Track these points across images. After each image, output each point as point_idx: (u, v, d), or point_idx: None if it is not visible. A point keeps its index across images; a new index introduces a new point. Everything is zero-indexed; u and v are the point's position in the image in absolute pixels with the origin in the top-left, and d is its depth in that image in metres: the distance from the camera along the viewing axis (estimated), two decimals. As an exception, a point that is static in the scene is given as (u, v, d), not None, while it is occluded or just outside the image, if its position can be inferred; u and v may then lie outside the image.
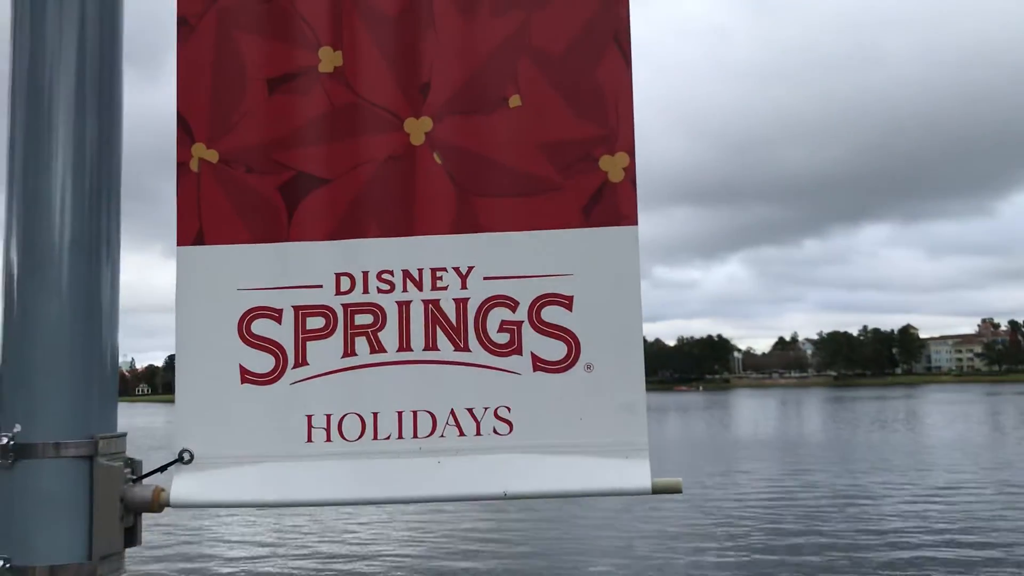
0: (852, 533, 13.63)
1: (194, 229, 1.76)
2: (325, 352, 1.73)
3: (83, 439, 1.55)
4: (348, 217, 1.76)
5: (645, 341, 1.76)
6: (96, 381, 1.60)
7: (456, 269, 1.75)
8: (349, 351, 1.74)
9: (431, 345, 1.73)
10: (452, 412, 1.72)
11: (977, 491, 18.01)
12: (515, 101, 1.76)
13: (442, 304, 1.74)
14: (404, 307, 1.74)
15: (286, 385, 1.73)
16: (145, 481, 1.65)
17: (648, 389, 1.73)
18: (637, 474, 1.66)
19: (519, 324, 1.73)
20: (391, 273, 1.75)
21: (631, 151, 1.75)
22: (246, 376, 1.73)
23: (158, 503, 1.63)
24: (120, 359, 1.75)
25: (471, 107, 1.76)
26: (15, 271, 1.58)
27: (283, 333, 1.74)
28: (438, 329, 1.74)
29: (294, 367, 1.73)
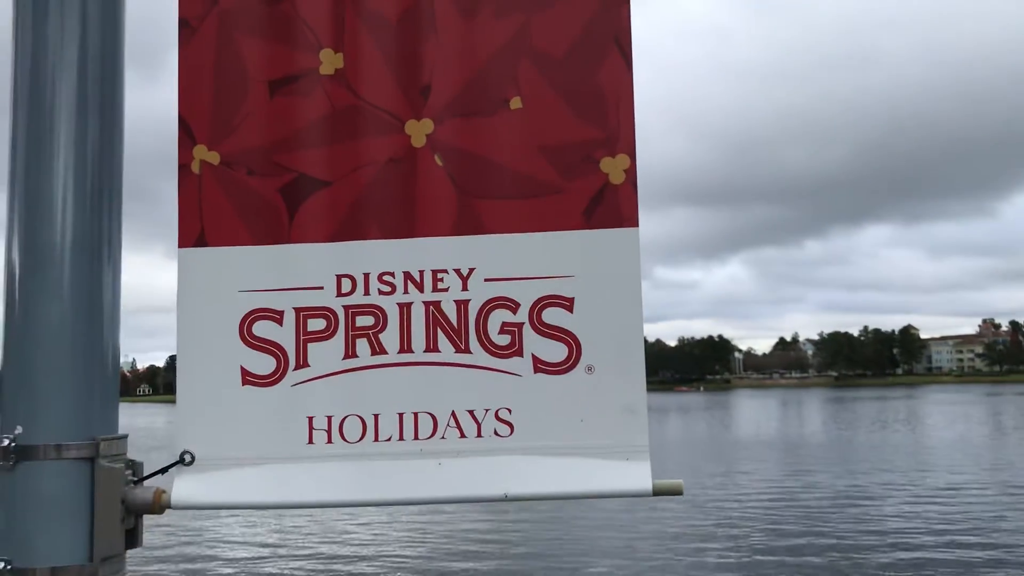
0: (853, 534, 13.62)
1: (195, 231, 1.76)
2: (326, 354, 1.74)
3: (84, 441, 1.55)
4: (349, 219, 1.76)
5: (646, 341, 1.77)
6: (97, 382, 1.60)
7: (457, 271, 1.75)
8: (350, 353, 1.74)
9: (432, 347, 1.74)
10: (453, 414, 1.72)
11: (979, 492, 18.00)
12: (516, 103, 1.76)
13: (443, 306, 1.74)
14: (405, 309, 1.75)
15: (287, 387, 1.73)
16: (146, 483, 1.65)
17: (649, 389, 1.73)
18: (638, 476, 1.66)
19: (520, 326, 1.73)
20: (392, 275, 1.75)
21: (632, 153, 1.75)
22: (247, 378, 1.73)
23: (159, 505, 1.63)
24: (121, 359, 1.76)
25: (472, 109, 1.77)
26: (16, 272, 1.58)
27: (284, 335, 1.74)
28: (439, 331, 1.74)
29: (295, 369, 1.73)
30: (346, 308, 1.75)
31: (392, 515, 15.10)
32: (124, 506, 1.59)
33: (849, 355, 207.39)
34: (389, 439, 1.72)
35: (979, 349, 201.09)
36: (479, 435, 1.71)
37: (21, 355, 1.56)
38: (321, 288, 1.75)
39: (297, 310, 1.75)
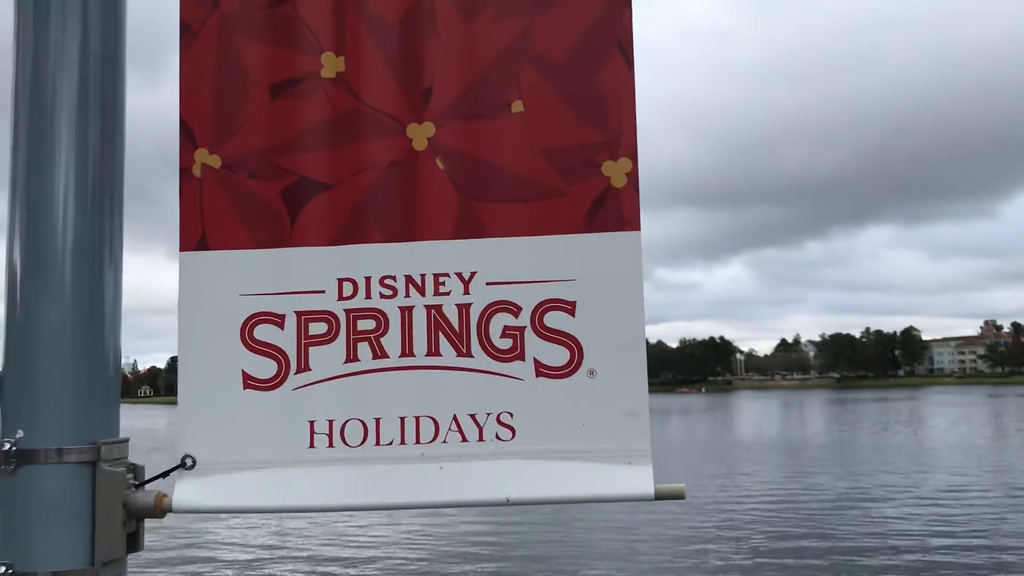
0: (856, 537, 13.60)
1: (197, 234, 1.76)
2: (327, 357, 1.73)
3: (85, 445, 1.55)
4: (350, 222, 1.76)
5: (647, 343, 1.76)
6: (99, 386, 1.60)
7: (459, 274, 1.75)
8: (351, 356, 1.74)
9: (434, 351, 1.73)
10: (455, 418, 1.72)
11: (981, 494, 17.98)
12: (517, 107, 1.76)
13: (445, 309, 1.74)
14: (407, 312, 1.74)
15: (288, 391, 1.73)
16: (147, 487, 1.65)
17: (650, 391, 1.72)
18: (640, 480, 1.66)
19: (522, 329, 1.73)
20: (394, 278, 1.75)
21: (634, 156, 1.75)
22: (248, 382, 1.73)
23: (160, 509, 1.63)
24: (122, 361, 1.75)
25: (473, 112, 1.76)
26: (18, 273, 1.58)
27: (285, 338, 1.74)
28: (441, 334, 1.73)
29: (296, 373, 1.73)
30: (347, 312, 1.75)
31: (392, 517, 15.09)
32: (125, 510, 1.58)
33: (851, 356, 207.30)
34: (391, 443, 1.71)
35: (981, 350, 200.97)
36: (481, 439, 1.71)
37: (22, 358, 1.56)
38: (322, 292, 1.75)
39: (298, 314, 1.75)
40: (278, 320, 1.74)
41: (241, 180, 1.77)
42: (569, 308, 1.73)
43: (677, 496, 1.66)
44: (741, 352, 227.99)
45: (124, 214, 1.69)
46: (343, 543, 13.53)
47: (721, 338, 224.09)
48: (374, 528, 14.51)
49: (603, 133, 1.74)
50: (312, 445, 1.71)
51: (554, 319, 1.73)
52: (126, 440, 1.63)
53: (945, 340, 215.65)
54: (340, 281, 1.75)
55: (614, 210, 1.73)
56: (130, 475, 1.62)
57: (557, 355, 1.72)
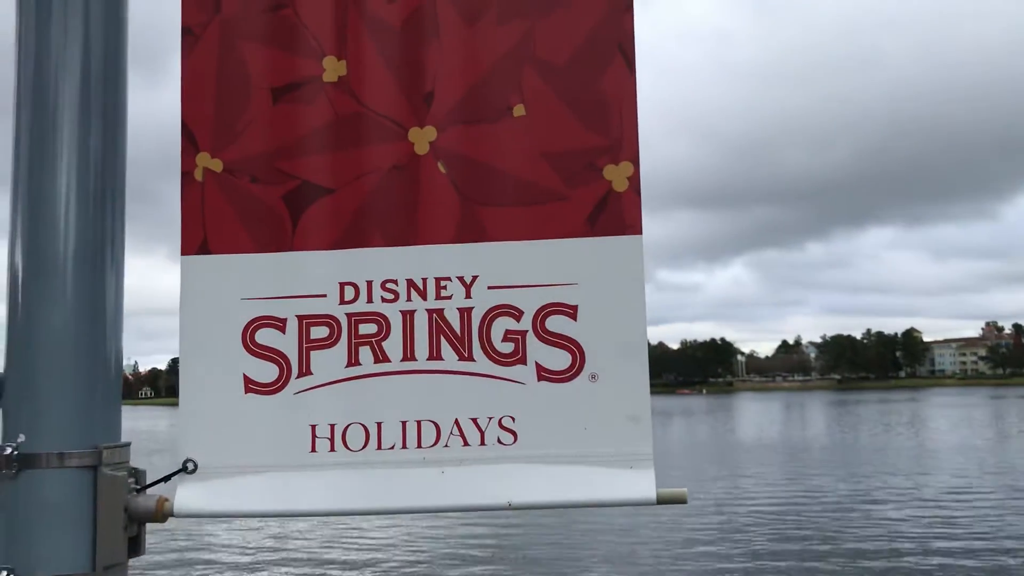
0: (857, 539, 13.59)
1: (198, 238, 1.76)
2: (329, 362, 1.73)
3: (87, 449, 1.55)
4: (352, 226, 1.76)
5: (648, 346, 1.76)
6: (100, 389, 1.60)
7: (460, 278, 1.75)
8: (353, 360, 1.73)
9: (435, 355, 1.73)
10: (456, 422, 1.71)
11: (983, 496, 17.95)
12: (519, 110, 1.76)
13: (446, 313, 1.74)
14: (408, 316, 1.74)
15: (290, 395, 1.73)
16: (149, 491, 1.65)
17: (651, 392, 1.72)
18: (642, 484, 1.66)
19: (523, 334, 1.73)
20: (395, 282, 1.75)
21: (635, 160, 1.75)
22: (250, 386, 1.73)
23: (162, 513, 1.63)
24: (124, 362, 1.75)
25: (475, 116, 1.76)
26: (19, 276, 1.58)
27: (287, 343, 1.74)
28: (442, 339, 1.73)
29: (298, 377, 1.73)
30: (349, 316, 1.74)
31: (392, 520, 15.07)
32: (127, 514, 1.58)
33: (852, 358, 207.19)
34: (392, 447, 1.71)
35: (982, 352, 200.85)
36: (482, 443, 1.71)
37: (24, 361, 1.56)
38: (324, 296, 1.75)
39: (300, 318, 1.75)
40: (279, 324, 1.74)
41: (243, 184, 1.77)
42: (571, 312, 1.72)
43: (679, 500, 1.66)
44: (742, 353, 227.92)
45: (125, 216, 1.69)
46: (343, 545, 13.53)
47: (722, 339, 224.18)
48: (374, 531, 14.50)
49: (605, 137, 1.74)
50: (314, 449, 1.71)
51: (556, 323, 1.72)
52: (128, 444, 1.63)
53: (946, 341, 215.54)
54: (342, 285, 1.75)
55: (615, 214, 1.73)
56: (131, 479, 1.62)
57: (559, 359, 1.72)
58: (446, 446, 1.71)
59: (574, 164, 1.74)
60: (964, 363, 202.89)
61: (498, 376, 1.72)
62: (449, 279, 1.75)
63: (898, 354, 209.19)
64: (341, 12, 1.79)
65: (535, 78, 1.76)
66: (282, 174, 1.77)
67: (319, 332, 1.74)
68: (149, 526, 1.65)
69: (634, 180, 1.74)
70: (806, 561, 12.02)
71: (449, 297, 1.74)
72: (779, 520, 15.37)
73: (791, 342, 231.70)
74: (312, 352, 1.74)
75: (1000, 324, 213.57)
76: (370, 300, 1.75)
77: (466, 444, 1.71)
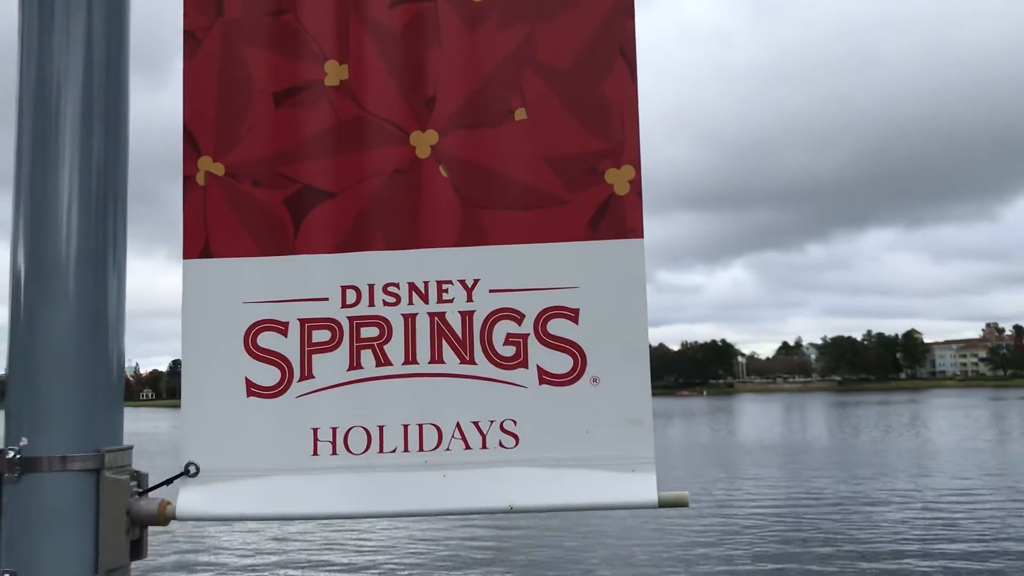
0: (858, 540, 13.58)
1: (200, 242, 1.76)
2: (331, 365, 1.73)
3: (89, 452, 1.55)
4: (354, 230, 1.76)
5: (649, 348, 1.76)
6: (102, 393, 1.61)
7: (462, 282, 1.75)
8: (355, 364, 1.74)
9: (437, 358, 1.73)
10: (458, 425, 1.72)
11: (984, 498, 17.94)
12: (521, 114, 1.76)
13: (448, 317, 1.74)
14: (410, 320, 1.74)
15: (292, 398, 1.73)
16: (151, 494, 1.65)
17: (652, 394, 1.73)
18: (643, 488, 1.66)
19: (525, 337, 1.73)
20: (397, 286, 1.75)
21: (637, 164, 1.75)
22: (252, 389, 1.73)
23: (164, 516, 1.63)
24: (125, 365, 1.76)
25: (477, 120, 1.77)
26: (22, 279, 1.58)
27: (289, 346, 1.74)
28: (444, 342, 1.74)
29: (300, 380, 1.73)
30: (351, 319, 1.75)
31: (393, 523, 15.07)
32: (129, 517, 1.58)
33: (852, 359, 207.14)
34: (394, 451, 1.71)
35: (983, 353, 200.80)
36: (484, 447, 1.71)
37: (26, 365, 1.56)
38: (326, 299, 1.75)
39: (302, 321, 1.75)
40: (281, 328, 1.75)
41: (245, 188, 1.77)
42: (572, 316, 1.73)
43: (681, 504, 1.66)
44: (743, 355, 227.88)
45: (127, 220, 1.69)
46: (344, 548, 13.52)
47: (723, 341, 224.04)
48: (375, 533, 14.49)
49: (606, 141, 1.75)
50: (315, 453, 1.71)
51: (557, 326, 1.73)
52: (130, 447, 1.63)
53: (947, 343, 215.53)
54: (343, 288, 1.75)
55: (617, 218, 1.73)
56: (134, 482, 1.62)
57: (560, 362, 1.72)
58: (448, 449, 1.71)
59: (575, 168, 1.75)
60: (964, 364, 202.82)
61: (500, 379, 1.72)
62: (451, 282, 1.75)
63: (898, 355, 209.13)
64: (343, 17, 1.79)
65: (536, 82, 1.76)
66: (284, 178, 1.77)
67: (321, 335, 1.74)
68: (150, 529, 1.65)
69: (635, 184, 1.74)
70: (807, 563, 12.00)
71: (451, 300, 1.75)
72: (780, 522, 15.36)
73: (791, 344, 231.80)
74: (314, 355, 1.74)
75: (1000, 325, 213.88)
76: (372, 303, 1.75)
77: (468, 447, 1.71)
